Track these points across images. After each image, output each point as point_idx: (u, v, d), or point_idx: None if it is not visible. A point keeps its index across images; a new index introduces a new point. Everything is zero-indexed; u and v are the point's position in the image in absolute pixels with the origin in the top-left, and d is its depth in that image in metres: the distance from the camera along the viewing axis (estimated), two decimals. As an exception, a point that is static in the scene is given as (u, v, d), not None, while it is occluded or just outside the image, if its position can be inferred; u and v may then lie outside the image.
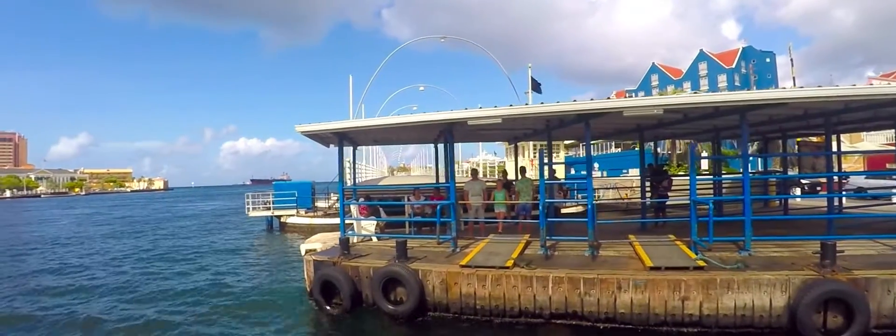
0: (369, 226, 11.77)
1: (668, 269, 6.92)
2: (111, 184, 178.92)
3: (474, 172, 11.58)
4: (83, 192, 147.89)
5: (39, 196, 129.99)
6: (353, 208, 12.23)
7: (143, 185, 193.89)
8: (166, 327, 8.39)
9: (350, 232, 11.60)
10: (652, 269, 6.98)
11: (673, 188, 13.27)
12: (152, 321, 8.79)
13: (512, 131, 11.95)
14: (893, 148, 25.47)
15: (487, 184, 11.18)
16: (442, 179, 12.71)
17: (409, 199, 12.31)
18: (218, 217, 37.14)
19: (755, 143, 20.55)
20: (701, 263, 6.98)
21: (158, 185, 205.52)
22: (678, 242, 8.61)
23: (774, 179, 14.91)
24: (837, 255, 6.71)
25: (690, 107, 7.12)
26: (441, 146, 12.66)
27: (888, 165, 23.27)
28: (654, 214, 11.40)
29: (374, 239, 11.14)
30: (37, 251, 20.03)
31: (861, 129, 14.37)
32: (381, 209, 12.14)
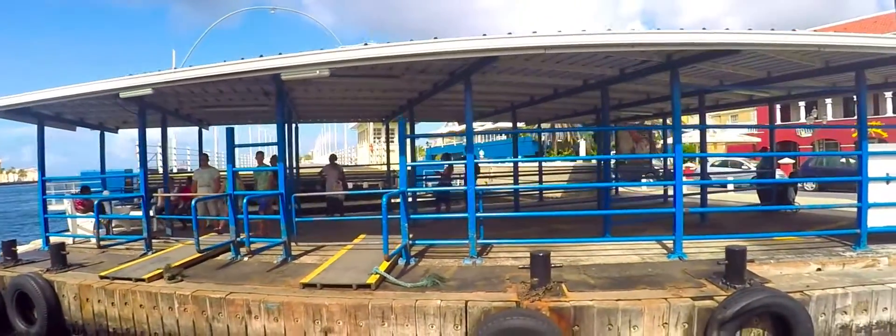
0: (87, 224, 9.48)
1: (325, 286, 5.27)
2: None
3: (204, 158, 9.43)
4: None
5: None
6: (67, 203, 9.86)
7: (13, 177, 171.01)
8: None
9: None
10: (305, 286, 5.32)
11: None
12: None
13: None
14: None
15: (221, 173, 9.13)
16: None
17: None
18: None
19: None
20: (371, 279, 5.32)
21: (32, 176, 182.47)
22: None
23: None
24: (569, 266, 5.44)
25: (356, 63, 5.43)
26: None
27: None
28: (436, 208, 10.01)
29: (92, 240, 8.87)
30: None
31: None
32: (105, 204, 9.70)
